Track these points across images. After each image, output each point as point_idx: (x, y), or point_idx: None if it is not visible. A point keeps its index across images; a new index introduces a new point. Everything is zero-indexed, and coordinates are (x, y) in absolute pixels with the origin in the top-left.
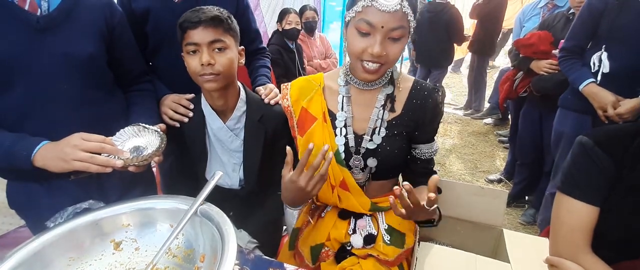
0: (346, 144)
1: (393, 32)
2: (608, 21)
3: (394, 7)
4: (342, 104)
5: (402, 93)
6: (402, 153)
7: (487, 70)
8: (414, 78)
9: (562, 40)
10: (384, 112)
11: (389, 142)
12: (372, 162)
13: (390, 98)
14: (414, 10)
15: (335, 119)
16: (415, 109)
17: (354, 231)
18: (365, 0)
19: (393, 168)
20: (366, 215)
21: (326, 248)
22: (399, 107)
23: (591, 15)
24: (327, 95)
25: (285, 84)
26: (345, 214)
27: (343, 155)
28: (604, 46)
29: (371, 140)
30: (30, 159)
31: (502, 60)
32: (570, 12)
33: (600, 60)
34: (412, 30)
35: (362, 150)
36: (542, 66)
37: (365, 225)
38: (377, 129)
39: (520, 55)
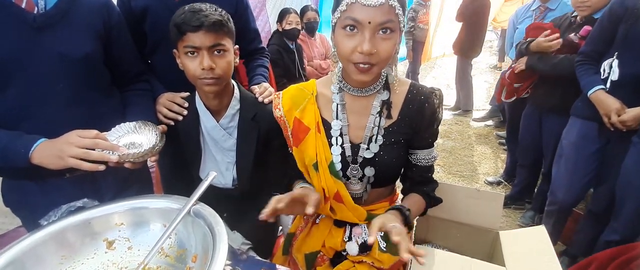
0: (343, 154)
1: (381, 27)
2: (625, 27)
3: (378, 1)
4: (337, 112)
5: (397, 98)
6: (400, 161)
7: (471, 71)
8: (410, 81)
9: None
10: (380, 119)
11: (387, 150)
12: (369, 171)
13: (386, 104)
14: (402, 4)
15: (330, 128)
16: (411, 114)
17: (350, 238)
18: None
19: (392, 176)
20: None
21: (321, 253)
22: (395, 112)
23: (610, 20)
24: (321, 103)
25: (277, 93)
26: (340, 222)
27: (340, 166)
28: (616, 53)
29: (368, 148)
30: (28, 156)
31: (486, 60)
32: (574, 14)
33: (610, 67)
34: (403, 26)
35: (360, 160)
36: (541, 40)
37: (361, 233)
38: (374, 137)
39: (527, 39)
